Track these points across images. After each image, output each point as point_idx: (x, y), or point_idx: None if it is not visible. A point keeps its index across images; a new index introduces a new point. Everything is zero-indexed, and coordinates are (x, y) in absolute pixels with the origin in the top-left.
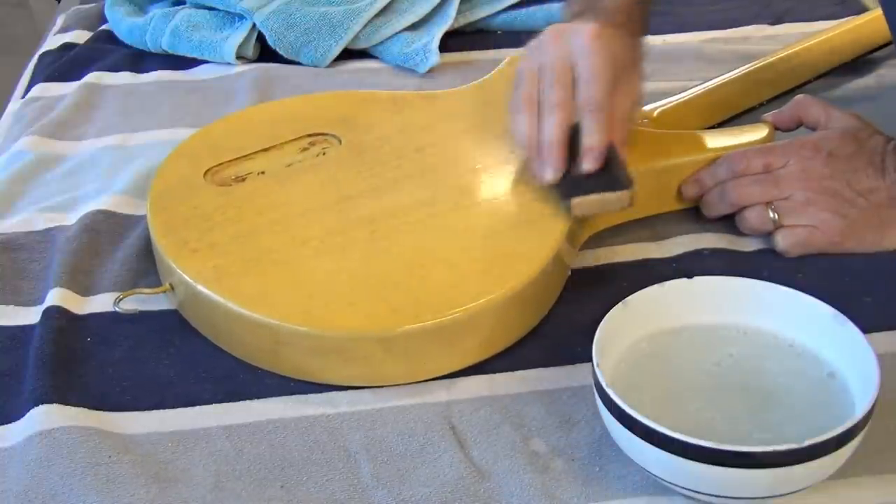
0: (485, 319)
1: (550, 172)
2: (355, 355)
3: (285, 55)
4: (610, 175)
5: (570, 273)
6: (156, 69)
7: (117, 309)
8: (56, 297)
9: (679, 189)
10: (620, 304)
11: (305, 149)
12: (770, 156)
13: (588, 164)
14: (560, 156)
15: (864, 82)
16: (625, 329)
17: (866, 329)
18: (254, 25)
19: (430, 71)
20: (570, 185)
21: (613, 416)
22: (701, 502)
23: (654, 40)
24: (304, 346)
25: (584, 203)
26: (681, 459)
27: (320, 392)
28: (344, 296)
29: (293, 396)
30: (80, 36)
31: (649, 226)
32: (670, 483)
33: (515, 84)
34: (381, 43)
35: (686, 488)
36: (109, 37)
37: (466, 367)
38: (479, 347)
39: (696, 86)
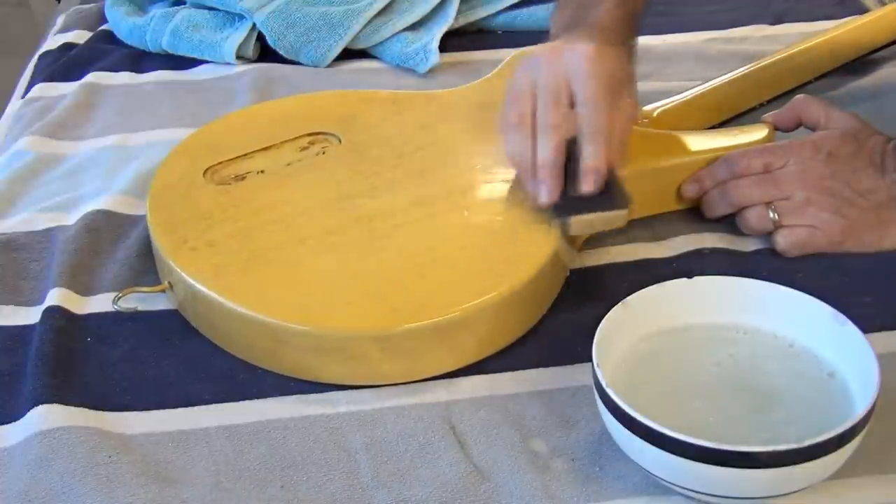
0: (483, 319)
1: (546, 193)
2: (353, 354)
3: (285, 55)
4: (606, 193)
5: (568, 273)
6: (156, 69)
7: (116, 307)
8: (56, 296)
9: (679, 189)
10: (620, 304)
11: (305, 148)
12: (770, 156)
13: (588, 186)
14: (556, 177)
15: (864, 82)
16: (625, 329)
17: (866, 329)
18: (254, 25)
19: (430, 71)
20: (566, 203)
21: (613, 416)
22: (701, 502)
23: (654, 40)
24: (303, 345)
25: (581, 222)
26: (681, 459)
27: (320, 392)
28: (342, 294)
29: (293, 396)
30: (80, 36)
31: (649, 226)
32: (670, 483)
33: (507, 101)
34: (381, 43)
35: (686, 488)
36: (109, 37)
37: (465, 366)
38: (478, 347)
39: (696, 86)
